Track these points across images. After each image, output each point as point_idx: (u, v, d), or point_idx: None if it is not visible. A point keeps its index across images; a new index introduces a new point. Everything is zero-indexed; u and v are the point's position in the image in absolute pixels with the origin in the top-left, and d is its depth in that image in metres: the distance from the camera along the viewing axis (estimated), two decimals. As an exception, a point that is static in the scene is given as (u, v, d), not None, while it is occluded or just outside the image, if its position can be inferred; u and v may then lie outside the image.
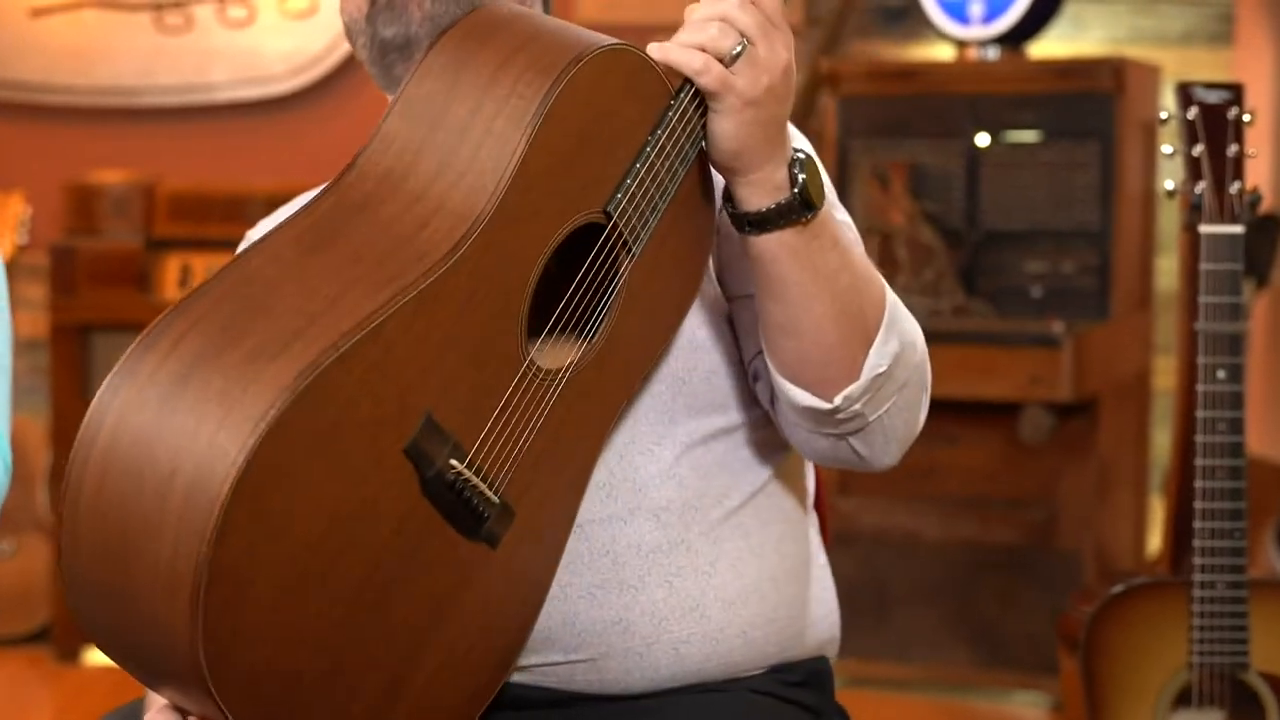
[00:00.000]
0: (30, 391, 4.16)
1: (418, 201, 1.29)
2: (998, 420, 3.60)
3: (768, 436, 1.54)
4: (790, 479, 1.58)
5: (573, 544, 1.44)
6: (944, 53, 3.96)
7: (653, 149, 1.34)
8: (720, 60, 1.33)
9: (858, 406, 1.44)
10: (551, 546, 1.41)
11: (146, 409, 1.19)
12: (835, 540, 1.67)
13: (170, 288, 4.03)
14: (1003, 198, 3.66)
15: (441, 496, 1.27)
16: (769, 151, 1.36)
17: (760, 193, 1.37)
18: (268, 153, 4.30)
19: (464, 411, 1.28)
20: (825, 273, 1.39)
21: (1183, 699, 2.22)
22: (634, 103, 1.35)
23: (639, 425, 1.47)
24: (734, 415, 1.52)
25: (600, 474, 1.45)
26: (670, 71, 1.36)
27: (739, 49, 1.33)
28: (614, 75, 1.34)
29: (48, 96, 4.35)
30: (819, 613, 1.60)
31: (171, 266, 4.04)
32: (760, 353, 1.49)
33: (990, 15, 3.77)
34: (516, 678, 1.46)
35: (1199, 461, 2.19)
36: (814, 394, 1.43)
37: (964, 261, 3.68)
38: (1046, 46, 3.90)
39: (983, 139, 3.67)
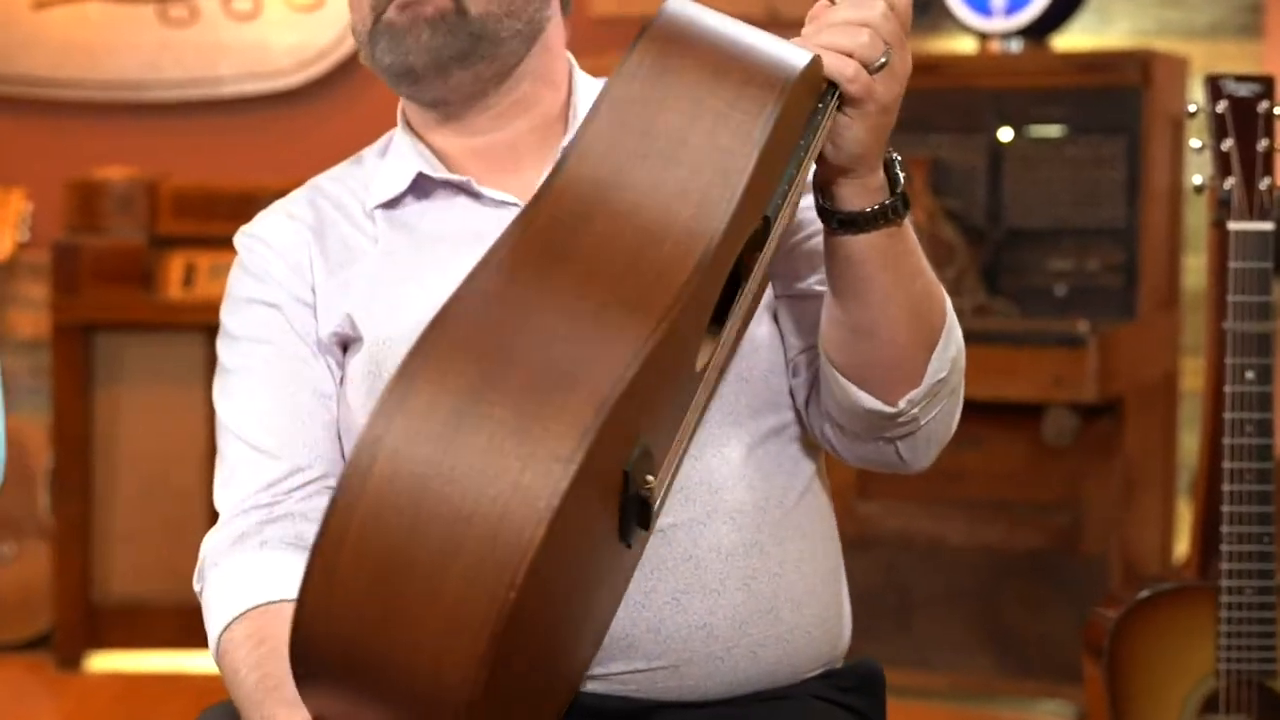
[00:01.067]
0: (32, 392, 4.17)
1: (637, 213, 1.28)
2: (1021, 422, 3.60)
3: (809, 434, 1.59)
4: (824, 477, 1.63)
5: (656, 549, 1.47)
6: (966, 45, 3.97)
7: (803, 152, 1.37)
8: (866, 68, 1.36)
9: (916, 411, 1.50)
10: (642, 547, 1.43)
11: (427, 444, 1.17)
12: (856, 545, 1.70)
13: (175, 286, 4.04)
14: (1026, 194, 3.66)
15: (628, 507, 1.29)
16: (880, 154, 1.41)
17: (864, 194, 1.41)
18: (275, 148, 4.31)
19: (659, 425, 1.30)
20: (905, 275, 1.45)
21: (1209, 706, 2.22)
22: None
23: (708, 427, 1.51)
24: (785, 414, 1.57)
25: (677, 477, 1.47)
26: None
27: (884, 59, 1.36)
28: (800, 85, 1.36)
29: (50, 91, 4.37)
30: (847, 614, 1.65)
31: (176, 265, 4.05)
32: (805, 350, 1.54)
33: (1013, 7, 3.77)
34: (593, 686, 1.49)
35: (1227, 464, 2.19)
36: (878, 397, 1.48)
37: (986, 259, 3.69)
38: (1071, 39, 3.90)
39: (1006, 134, 3.67)
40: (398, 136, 1.65)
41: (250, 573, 1.51)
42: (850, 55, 1.35)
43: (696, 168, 1.29)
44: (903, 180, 1.41)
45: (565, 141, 1.60)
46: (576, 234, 1.27)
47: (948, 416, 1.54)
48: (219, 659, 1.50)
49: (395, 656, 1.17)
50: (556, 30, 1.63)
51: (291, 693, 1.37)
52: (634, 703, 1.49)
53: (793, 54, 1.33)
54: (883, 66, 1.36)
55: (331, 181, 1.67)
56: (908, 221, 1.47)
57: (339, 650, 1.20)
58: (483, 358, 1.19)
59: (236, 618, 1.49)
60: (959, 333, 1.52)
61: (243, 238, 1.66)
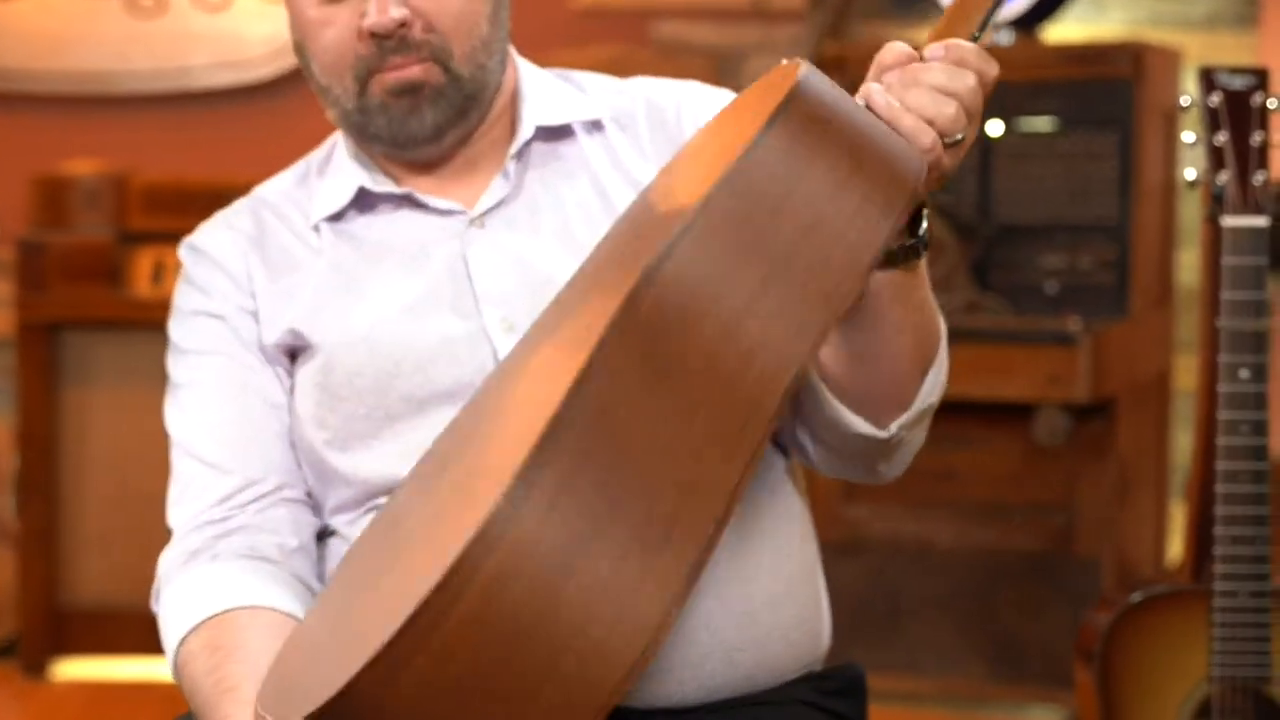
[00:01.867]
0: (-4, 392, 4.17)
1: (741, 324, 1.24)
2: (1012, 422, 3.61)
3: (780, 439, 1.60)
4: (797, 478, 1.64)
5: None
6: (956, 37, 3.96)
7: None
8: (942, 138, 1.33)
9: (904, 434, 1.52)
10: None
11: (522, 582, 1.15)
12: (844, 549, 1.72)
13: (144, 283, 4.04)
14: (1017, 189, 3.67)
15: None
16: None
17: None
18: (248, 142, 4.30)
19: None
20: (914, 307, 1.46)
21: (1203, 713, 2.23)
22: None
23: None
24: None
25: None
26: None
27: (961, 136, 1.33)
28: None
29: (15, 84, 4.36)
30: (825, 615, 1.66)
31: (145, 261, 4.05)
32: None
33: (1004, -3, 3.78)
34: None
35: (1220, 465, 2.20)
36: (871, 422, 1.50)
37: (976, 256, 3.69)
38: (1063, 30, 3.91)
39: (996, 128, 3.68)
40: (341, 146, 1.66)
41: (203, 586, 1.53)
42: (932, 123, 1.32)
43: (803, 286, 1.25)
44: (925, 220, 1.39)
45: (510, 150, 1.61)
46: (682, 346, 1.22)
47: (923, 430, 1.57)
48: (178, 675, 1.51)
49: None
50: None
51: (247, 694, 1.38)
52: (615, 710, 1.50)
53: (905, 162, 1.29)
54: (958, 143, 1.34)
55: (274, 193, 1.69)
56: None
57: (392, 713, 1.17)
58: (590, 499, 1.17)
59: (191, 630, 1.50)
60: (946, 352, 1.54)
61: (185, 250, 1.68)
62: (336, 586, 1.44)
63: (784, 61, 1.36)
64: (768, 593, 1.54)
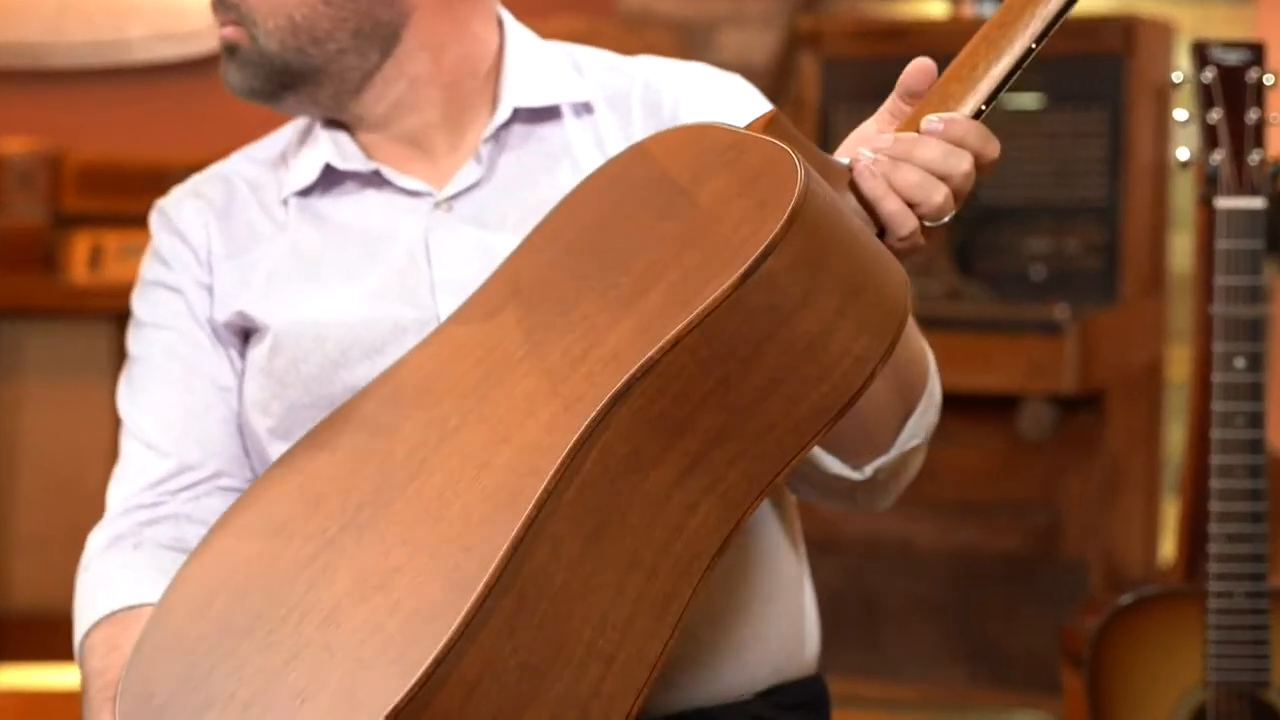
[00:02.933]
0: (-75, 385, 4.14)
1: (690, 474, 1.22)
2: (995, 416, 3.61)
3: None
4: (779, 493, 1.62)
5: None
6: (937, 10, 3.97)
7: None
8: (921, 223, 1.29)
9: (883, 476, 1.50)
10: None
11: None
12: (821, 549, 1.71)
13: (80, 269, 4.01)
14: (1001, 170, 3.64)
15: None
16: None
17: None
18: (190, 118, 4.28)
19: None
20: (899, 350, 1.42)
21: (1198, 719, 2.23)
22: None
23: None
24: None
25: None
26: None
27: (947, 219, 1.29)
28: None
29: (-56, 57, 4.34)
30: (809, 627, 1.64)
31: (81, 245, 4.03)
32: None
33: (988, -31, 3.78)
34: None
35: (1215, 459, 2.20)
36: (846, 463, 1.49)
37: (958, 240, 3.70)
38: (1049, 3, 3.90)
39: (979, 105, 3.67)
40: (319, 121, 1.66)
41: (118, 576, 1.53)
42: (916, 208, 1.28)
43: (758, 441, 1.23)
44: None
45: (485, 132, 1.60)
46: (627, 492, 1.21)
47: (908, 468, 1.54)
48: (79, 664, 1.52)
49: None
50: (431, 24, 1.61)
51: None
52: None
53: (896, 291, 1.25)
54: (939, 225, 1.30)
55: (249, 162, 1.69)
56: None
57: None
58: (513, 681, 1.17)
59: (96, 623, 1.51)
60: (939, 392, 1.52)
61: (154, 215, 1.68)
62: (210, 573, 1.41)
63: (759, 123, 1.31)
64: (711, 608, 1.52)
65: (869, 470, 1.49)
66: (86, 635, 1.51)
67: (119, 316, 3.94)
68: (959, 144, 1.28)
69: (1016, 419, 3.57)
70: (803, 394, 1.22)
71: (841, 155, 1.33)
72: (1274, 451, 2.65)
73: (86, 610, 1.53)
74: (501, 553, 1.16)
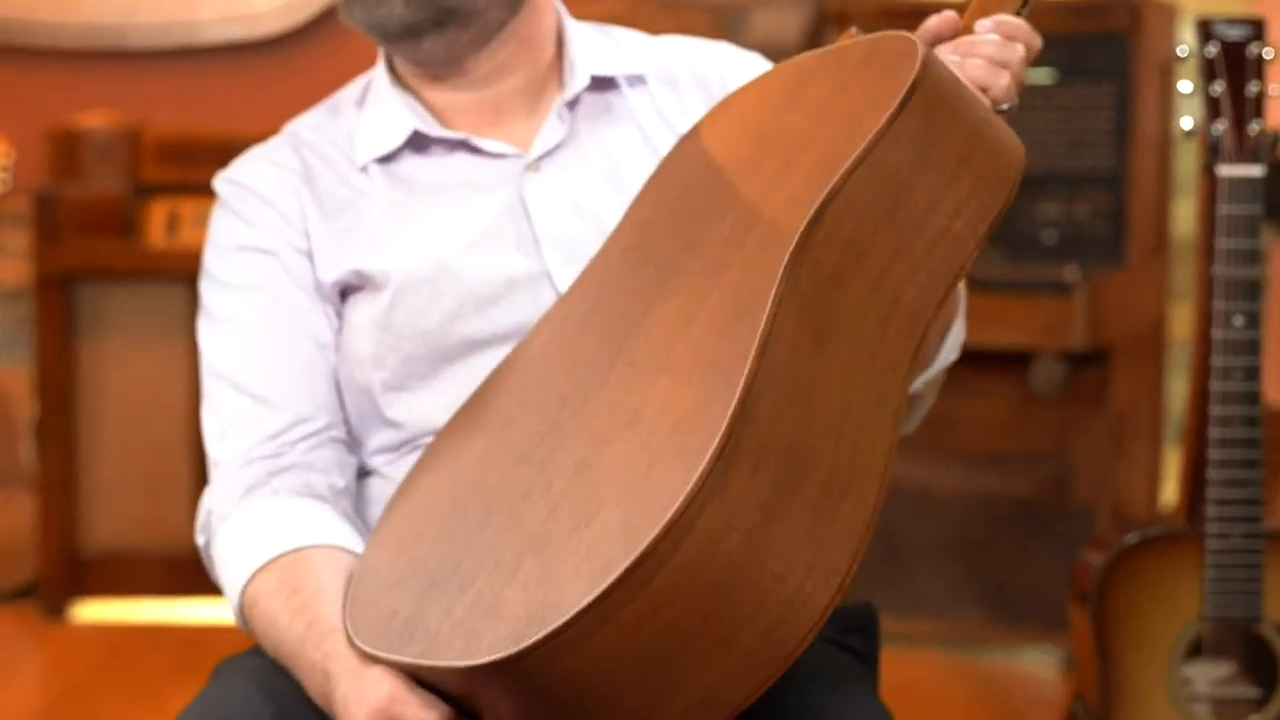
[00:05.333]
0: (14, 343, 4.16)
1: (878, 286, 1.28)
2: (1010, 371, 3.61)
3: None
4: None
5: None
6: (955, -9, 3.95)
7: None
8: (994, 107, 1.39)
9: (923, 390, 1.54)
10: None
11: (733, 537, 1.18)
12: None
13: (158, 234, 4.03)
14: (1016, 141, 3.66)
15: None
16: None
17: None
18: (256, 95, 4.29)
19: None
20: None
21: (1195, 652, 2.23)
22: None
23: None
24: None
25: None
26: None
27: (1008, 106, 1.39)
28: None
29: (28, 37, 4.34)
30: None
31: (159, 213, 4.04)
32: None
33: (1003, -49, 3.76)
34: None
35: (1214, 410, 2.20)
36: None
37: (975, 206, 3.68)
38: (1061, -16, 3.88)
39: (995, 80, 3.66)
40: (382, 87, 1.65)
41: (268, 522, 1.50)
42: (987, 92, 1.37)
43: (930, 250, 1.30)
44: None
45: (564, 97, 1.60)
46: (835, 304, 1.27)
47: (937, 388, 1.60)
48: (247, 609, 1.48)
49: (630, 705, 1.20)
50: None
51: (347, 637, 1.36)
52: None
53: (1015, 141, 1.35)
54: (1007, 111, 1.38)
55: (310, 131, 1.66)
56: None
57: (573, 681, 1.19)
58: (786, 458, 1.20)
59: (261, 568, 1.47)
60: (964, 313, 1.56)
61: (227, 185, 1.65)
62: (414, 514, 1.41)
63: (844, 36, 1.38)
64: None
65: (919, 384, 1.53)
66: (251, 579, 1.47)
67: (193, 278, 3.95)
68: (1011, 38, 1.40)
69: (1030, 374, 3.56)
70: (958, 210, 1.30)
71: None
72: (1269, 403, 2.64)
73: (245, 556, 1.48)
74: (755, 346, 1.20)
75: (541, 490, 1.28)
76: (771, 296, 1.22)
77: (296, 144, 1.65)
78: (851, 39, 1.40)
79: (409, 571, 1.35)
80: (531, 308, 1.54)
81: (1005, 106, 1.38)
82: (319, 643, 1.37)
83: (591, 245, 1.53)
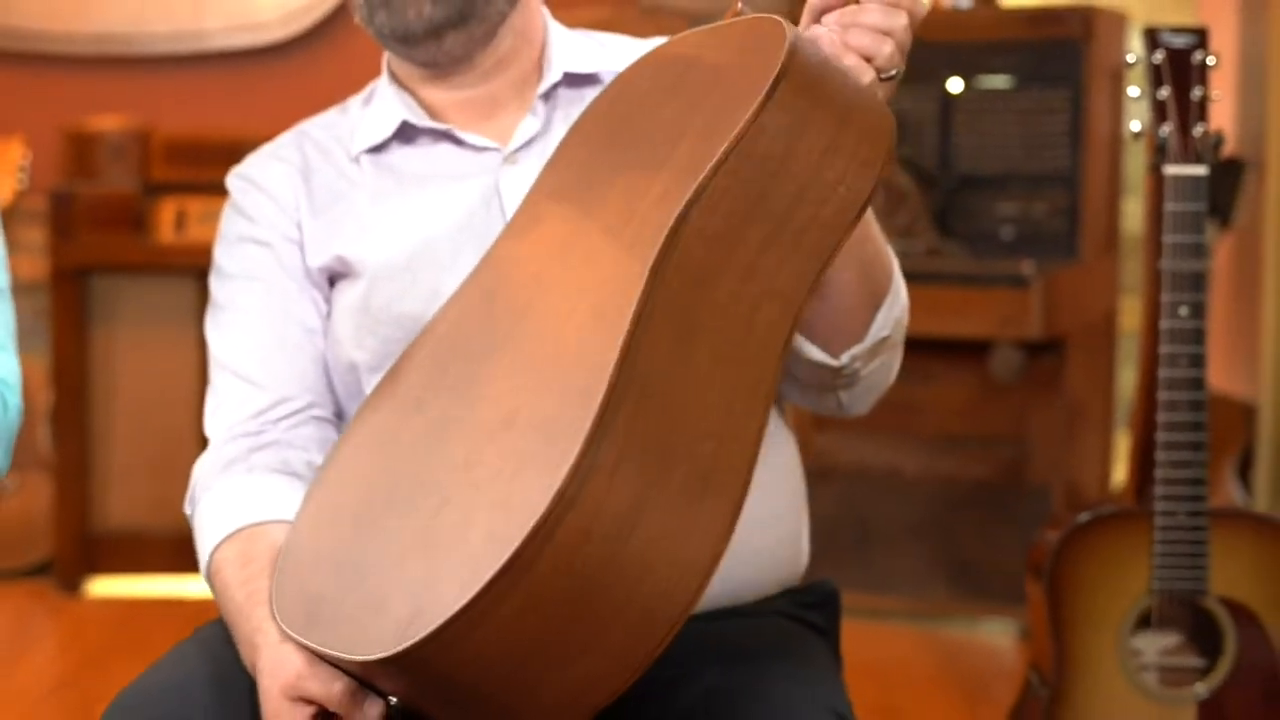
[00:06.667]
0: (31, 333, 4.15)
1: (747, 278, 1.26)
2: (970, 359, 3.61)
3: None
4: (784, 411, 1.64)
5: None
6: None
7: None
8: (879, 75, 1.35)
9: (858, 365, 1.50)
10: None
11: (594, 543, 1.17)
12: (815, 476, 1.72)
13: (167, 231, 4.02)
14: (975, 143, 3.66)
15: None
16: None
17: None
18: (261, 99, 4.28)
19: None
20: (857, 242, 1.43)
21: (1144, 622, 2.24)
22: None
23: None
24: None
25: None
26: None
27: (895, 72, 1.35)
28: None
29: (44, 44, 4.33)
30: (805, 540, 1.66)
31: (168, 210, 4.03)
32: None
33: (964, -36, 3.76)
34: None
35: (1162, 395, 2.20)
36: (823, 350, 1.49)
37: (938, 204, 3.69)
38: (1019, -5, 3.89)
39: (956, 85, 3.67)
40: (382, 87, 1.65)
41: (239, 496, 1.51)
42: (870, 60, 1.34)
43: (799, 237, 1.27)
44: None
45: (538, 90, 1.60)
46: (700, 305, 1.24)
47: (886, 369, 1.56)
48: (210, 577, 1.50)
49: (514, 685, 1.20)
50: None
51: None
52: None
53: (882, 116, 1.31)
54: (894, 78, 1.35)
55: (318, 128, 1.67)
56: None
57: (451, 676, 1.19)
58: (645, 462, 1.19)
59: (226, 538, 1.48)
60: (904, 294, 1.53)
61: (235, 179, 1.66)
62: (344, 502, 1.41)
63: (747, 13, 1.35)
64: (752, 517, 1.52)
65: (845, 358, 1.49)
66: (217, 548, 1.49)
67: (201, 272, 3.94)
68: (894, 5, 1.35)
69: (989, 362, 3.57)
70: (825, 198, 1.27)
71: None
72: (1213, 389, 2.65)
73: (213, 528, 1.50)
74: (615, 357, 1.19)
75: (434, 485, 1.29)
76: (634, 303, 1.20)
77: (301, 140, 1.66)
78: (735, 16, 1.37)
79: (325, 552, 1.36)
80: None
81: (892, 73, 1.34)
82: (251, 614, 1.39)
83: None
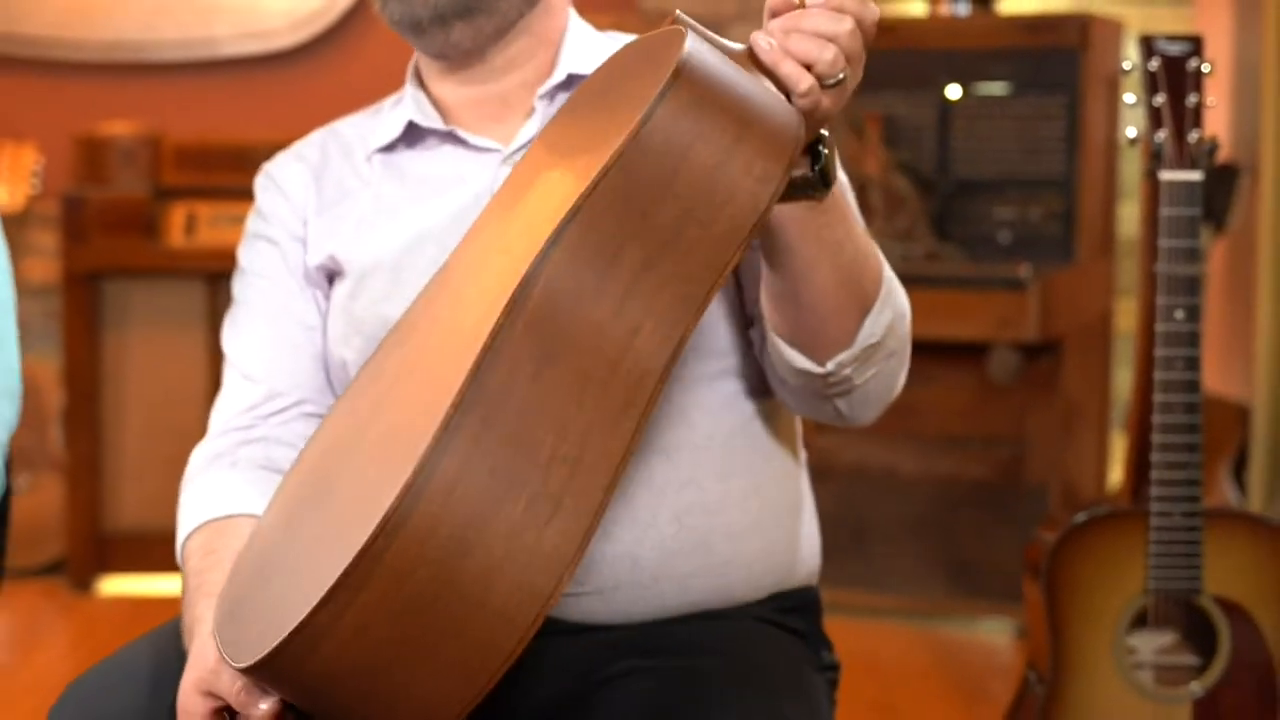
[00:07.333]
0: (43, 336, 4.16)
1: (628, 298, 1.21)
2: (968, 361, 3.61)
3: (766, 378, 1.56)
4: (787, 418, 1.60)
5: None
6: (917, 9, 3.95)
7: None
8: (820, 82, 1.27)
9: (848, 372, 1.44)
10: None
11: (425, 568, 1.16)
12: (814, 476, 1.69)
13: (177, 235, 4.02)
14: (973, 148, 3.66)
15: None
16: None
17: None
18: (270, 105, 4.28)
19: None
20: (830, 246, 1.38)
21: (1139, 621, 2.23)
22: None
23: None
24: (729, 359, 1.53)
25: None
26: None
27: (841, 76, 1.27)
28: None
29: (57, 51, 4.33)
30: (809, 547, 1.62)
31: (178, 214, 4.03)
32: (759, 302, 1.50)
33: (962, -28, 3.76)
34: None
35: (1157, 397, 2.20)
36: (808, 357, 1.44)
37: (936, 209, 3.69)
38: (1015, 2, 3.89)
39: (954, 91, 3.66)
40: (407, 86, 1.65)
41: (216, 490, 1.53)
42: (810, 68, 1.27)
43: (688, 254, 1.21)
44: (825, 156, 1.32)
45: (540, 91, 1.58)
46: (571, 324, 1.20)
47: (888, 378, 1.50)
48: (181, 564, 1.52)
49: (395, 684, 1.19)
50: None
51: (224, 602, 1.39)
52: (560, 624, 1.46)
53: (785, 123, 1.24)
54: (838, 84, 1.27)
55: (349, 126, 1.67)
56: (838, 194, 1.38)
57: (310, 685, 1.20)
58: (484, 486, 1.16)
59: (195, 529, 1.51)
60: (900, 299, 1.47)
61: (259, 177, 1.67)
62: (288, 501, 1.42)
63: (666, 22, 1.30)
64: (733, 526, 1.50)
65: (831, 365, 1.43)
66: (187, 539, 1.51)
67: (210, 275, 3.97)
68: (840, 10, 1.28)
69: (986, 364, 3.57)
70: (713, 217, 1.21)
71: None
72: (1208, 391, 2.65)
73: (187, 519, 1.53)
74: (464, 378, 1.17)
75: (335, 491, 1.30)
76: (491, 326, 1.18)
77: (327, 138, 1.66)
78: (670, 24, 1.31)
79: (260, 551, 1.38)
80: None
81: (836, 79, 1.26)
82: (196, 603, 1.41)
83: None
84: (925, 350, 3.57)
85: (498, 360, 1.18)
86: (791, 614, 1.58)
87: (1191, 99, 2.20)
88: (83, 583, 3.99)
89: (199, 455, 1.59)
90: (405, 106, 1.61)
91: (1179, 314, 2.19)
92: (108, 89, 4.34)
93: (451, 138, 1.59)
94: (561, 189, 1.26)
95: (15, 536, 1.82)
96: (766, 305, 1.45)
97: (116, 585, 4.03)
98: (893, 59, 3.66)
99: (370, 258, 1.56)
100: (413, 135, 1.61)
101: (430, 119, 1.60)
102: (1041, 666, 2.29)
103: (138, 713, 1.40)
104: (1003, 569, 3.58)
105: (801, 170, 1.31)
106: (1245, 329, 3.65)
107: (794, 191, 1.31)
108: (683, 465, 1.49)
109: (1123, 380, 3.89)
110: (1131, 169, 3.86)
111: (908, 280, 1.57)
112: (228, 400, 1.60)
